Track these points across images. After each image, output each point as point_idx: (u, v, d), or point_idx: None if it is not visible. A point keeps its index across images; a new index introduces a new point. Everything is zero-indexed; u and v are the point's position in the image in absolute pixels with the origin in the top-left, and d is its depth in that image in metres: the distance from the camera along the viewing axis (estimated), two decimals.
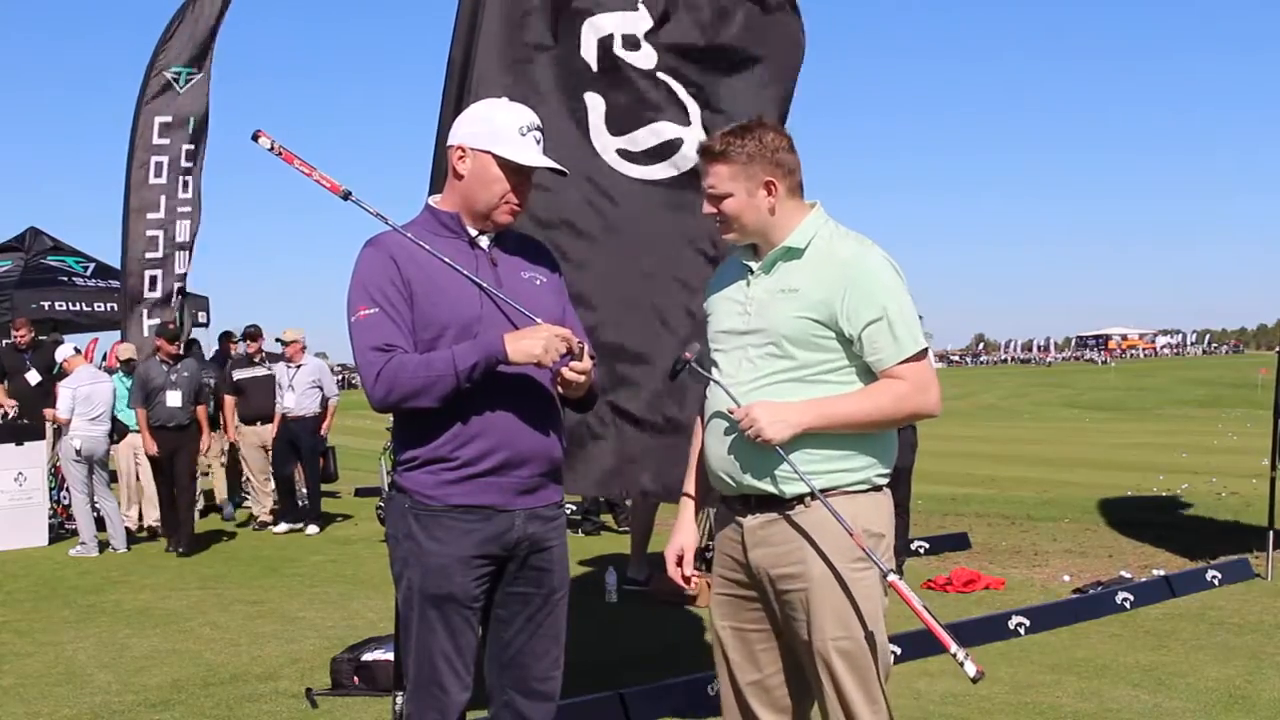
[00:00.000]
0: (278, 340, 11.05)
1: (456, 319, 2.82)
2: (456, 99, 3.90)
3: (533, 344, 2.76)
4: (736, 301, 2.92)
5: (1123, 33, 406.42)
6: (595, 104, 4.13)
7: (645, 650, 5.88)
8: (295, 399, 10.69)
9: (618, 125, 4.13)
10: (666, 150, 4.22)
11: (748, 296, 2.89)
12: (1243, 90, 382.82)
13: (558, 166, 3.01)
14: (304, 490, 11.20)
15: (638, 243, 4.16)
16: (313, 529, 10.64)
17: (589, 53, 4.12)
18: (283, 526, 10.69)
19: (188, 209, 10.52)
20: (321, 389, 10.90)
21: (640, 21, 4.18)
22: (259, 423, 11.02)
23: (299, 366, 10.77)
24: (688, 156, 4.14)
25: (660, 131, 4.21)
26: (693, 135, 4.19)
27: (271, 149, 2.98)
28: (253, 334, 11.40)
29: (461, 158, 2.90)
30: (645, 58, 4.19)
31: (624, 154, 4.19)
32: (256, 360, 11.18)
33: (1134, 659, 5.55)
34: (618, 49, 4.14)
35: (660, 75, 4.22)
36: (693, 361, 2.93)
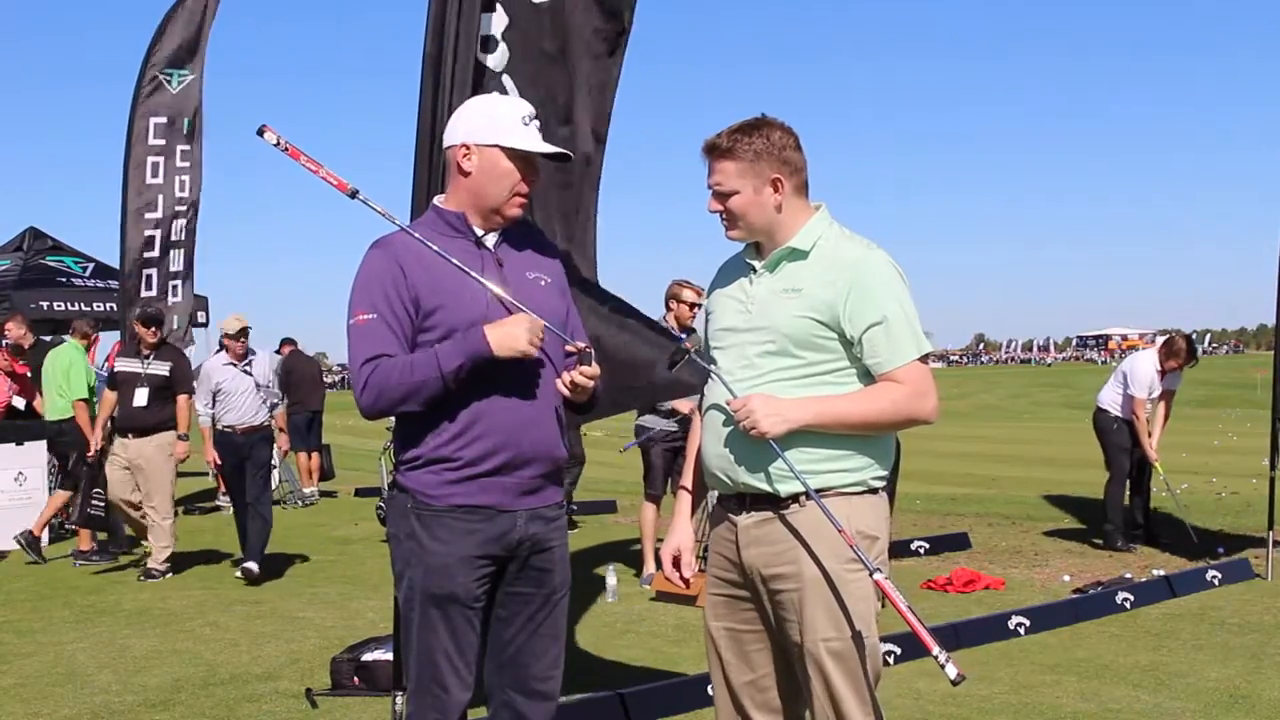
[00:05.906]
0: (227, 335, 8.53)
1: (463, 321, 2.81)
2: (433, 93, 3.91)
3: (516, 337, 2.74)
4: (738, 299, 2.91)
5: (1123, 32, 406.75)
6: None
7: (645, 650, 5.88)
8: (252, 404, 8.43)
9: None
10: None
11: (749, 295, 2.88)
12: (1242, 89, 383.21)
13: (565, 151, 3.01)
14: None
15: None
16: (252, 566, 8.11)
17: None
18: (253, 567, 8.10)
19: (184, 208, 10.48)
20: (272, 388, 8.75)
21: (498, 21, 4.16)
22: (130, 435, 8.35)
23: (249, 365, 8.48)
24: None
25: None
26: None
27: (277, 144, 2.96)
28: (146, 319, 8.45)
29: (466, 155, 2.89)
30: (498, 59, 4.20)
31: None
32: (147, 354, 8.38)
33: (1134, 659, 5.55)
34: (478, 52, 4.13)
35: (504, 79, 4.23)
36: (693, 353, 2.92)
